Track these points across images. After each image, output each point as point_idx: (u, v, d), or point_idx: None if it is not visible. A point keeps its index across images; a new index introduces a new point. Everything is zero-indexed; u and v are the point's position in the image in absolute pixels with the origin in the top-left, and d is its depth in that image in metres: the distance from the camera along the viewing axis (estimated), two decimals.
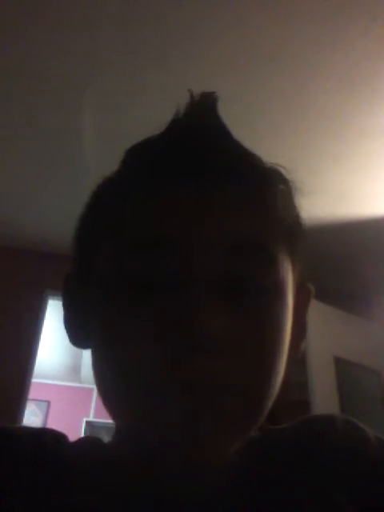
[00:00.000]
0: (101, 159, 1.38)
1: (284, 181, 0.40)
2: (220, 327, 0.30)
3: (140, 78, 1.69)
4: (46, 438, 0.40)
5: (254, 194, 0.36)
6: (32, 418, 5.42)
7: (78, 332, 0.41)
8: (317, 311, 2.21)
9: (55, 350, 4.67)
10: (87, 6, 1.45)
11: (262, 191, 0.37)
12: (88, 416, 5.78)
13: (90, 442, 0.42)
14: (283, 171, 0.40)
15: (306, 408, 2.29)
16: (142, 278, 0.33)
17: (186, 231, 0.33)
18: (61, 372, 5.49)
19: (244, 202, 0.36)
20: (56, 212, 2.57)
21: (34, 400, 5.16)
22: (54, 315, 3.40)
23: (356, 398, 2.46)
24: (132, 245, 0.34)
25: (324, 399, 2.33)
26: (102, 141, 1.99)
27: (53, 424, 5.21)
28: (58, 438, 0.41)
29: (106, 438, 0.42)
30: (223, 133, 0.39)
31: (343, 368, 2.49)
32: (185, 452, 0.31)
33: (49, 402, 5.82)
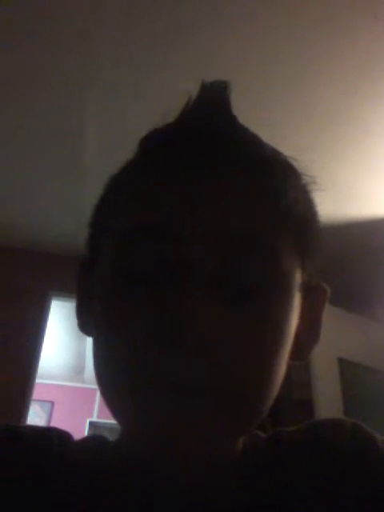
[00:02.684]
0: (103, 160, 1.38)
1: (296, 174, 0.38)
2: (207, 325, 0.29)
3: (143, 78, 1.69)
4: (52, 437, 0.40)
5: (260, 186, 0.34)
6: (36, 418, 5.42)
7: (83, 318, 0.41)
8: None
9: (59, 351, 4.68)
10: (88, 6, 1.45)
11: (268, 182, 0.35)
12: (91, 416, 5.78)
13: (94, 441, 0.42)
14: (297, 165, 0.38)
15: (309, 408, 2.28)
16: (136, 268, 0.32)
17: (183, 223, 0.32)
18: (64, 373, 5.50)
19: (248, 194, 0.34)
20: (59, 213, 2.58)
21: (37, 400, 5.17)
22: (57, 316, 3.41)
23: (360, 399, 2.45)
24: (127, 234, 0.34)
25: (328, 400, 2.32)
26: (103, 142, 1.99)
27: (56, 424, 5.12)
28: (63, 436, 0.41)
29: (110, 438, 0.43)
30: (231, 123, 0.37)
31: (347, 369, 2.48)
32: (164, 450, 0.30)
33: (52, 403, 5.82)
